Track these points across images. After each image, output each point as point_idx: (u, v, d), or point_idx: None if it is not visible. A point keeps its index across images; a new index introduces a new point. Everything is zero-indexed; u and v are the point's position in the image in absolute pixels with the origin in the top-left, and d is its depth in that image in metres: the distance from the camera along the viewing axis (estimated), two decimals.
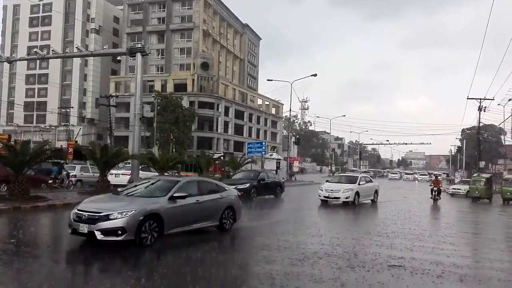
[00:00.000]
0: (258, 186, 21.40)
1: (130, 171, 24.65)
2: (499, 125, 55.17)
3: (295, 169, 63.32)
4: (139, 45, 25.79)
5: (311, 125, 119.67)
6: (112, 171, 23.51)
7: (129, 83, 68.01)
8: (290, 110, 55.22)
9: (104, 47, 35.57)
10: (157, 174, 24.93)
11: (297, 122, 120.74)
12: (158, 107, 51.47)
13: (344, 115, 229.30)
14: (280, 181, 24.94)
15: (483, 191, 28.14)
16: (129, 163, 26.06)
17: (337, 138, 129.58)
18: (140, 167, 24.94)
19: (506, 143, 69.59)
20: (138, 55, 24.68)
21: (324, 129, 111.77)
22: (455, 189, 34.60)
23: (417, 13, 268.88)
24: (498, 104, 54.93)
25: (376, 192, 21.91)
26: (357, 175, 22.54)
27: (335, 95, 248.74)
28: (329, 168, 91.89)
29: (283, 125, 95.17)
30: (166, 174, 26.99)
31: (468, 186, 30.97)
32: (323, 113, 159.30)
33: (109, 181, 21.30)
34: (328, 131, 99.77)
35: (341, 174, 29.42)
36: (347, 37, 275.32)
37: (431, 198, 23.76)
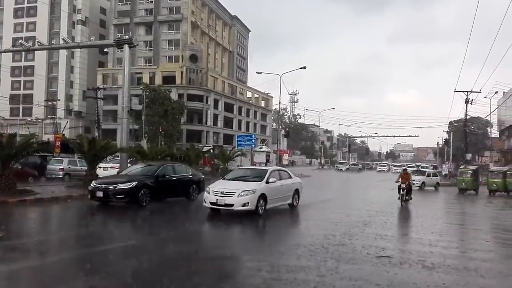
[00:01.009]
0: (153, 186, 14.88)
1: (118, 164, 24.47)
2: (485, 117, 56.08)
3: (285, 162, 63.47)
4: (127, 37, 25.52)
5: (300, 118, 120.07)
6: (101, 165, 23.32)
7: (117, 75, 67.29)
8: (280, 103, 55.62)
9: (91, 38, 34.97)
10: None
11: (286, 115, 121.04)
12: (147, 100, 51.01)
13: (334, 108, 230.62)
14: (197, 177, 17.99)
15: (469, 182, 28.58)
16: (117, 156, 25.86)
17: (326, 131, 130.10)
18: (128, 160, 24.76)
19: (492, 136, 70.71)
20: (126, 47, 24.38)
21: (314, 122, 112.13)
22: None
23: (406, 7, 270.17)
24: (485, 97, 55.53)
25: (297, 192, 15.26)
26: (266, 169, 15.56)
27: (324, 88, 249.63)
28: (319, 161, 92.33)
29: (272, 118, 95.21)
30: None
31: (423, 177, 30.99)
32: (313, 106, 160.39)
33: (98, 175, 21.12)
34: (317, 124, 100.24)
35: (245, 167, 20.99)
36: (337, 31, 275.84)
37: (399, 199, 17.90)
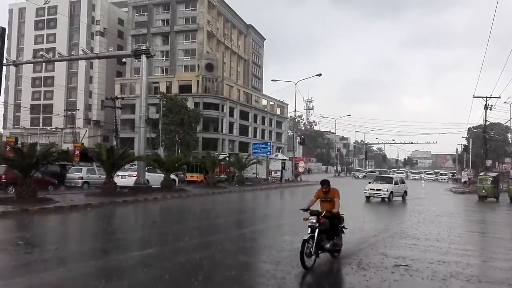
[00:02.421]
0: None
1: (136, 173, 24.75)
2: (505, 123, 54.83)
3: (301, 169, 63.24)
4: (144, 47, 25.99)
5: (316, 125, 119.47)
6: (119, 173, 23.59)
7: (134, 85, 68.22)
8: (295, 110, 55.53)
9: (109, 49, 35.69)
10: (163, 175, 25.06)
11: (302, 122, 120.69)
12: (163, 109, 51.64)
13: (349, 115, 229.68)
14: None
15: (490, 190, 28.03)
16: (135, 164, 26.16)
17: (342, 138, 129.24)
18: (146, 169, 25.03)
19: None
20: (143, 57, 24.82)
21: (329, 129, 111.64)
22: (372, 190, 24.66)
23: (419, 12, 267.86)
24: (505, 102, 54.71)
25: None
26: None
27: (339, 94, 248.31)
28: (335, 168, 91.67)
29: (288, 125, 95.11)
30: (173, 174, 27.09)
31: (391, 186, 24.78)
32: (328, 113, 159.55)
33: (116, 183, 21.40)
34: (333, 131, 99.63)
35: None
36: (350, 37, 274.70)
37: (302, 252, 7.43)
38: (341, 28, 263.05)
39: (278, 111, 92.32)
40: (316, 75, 48.83)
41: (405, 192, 26.04)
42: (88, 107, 77.24)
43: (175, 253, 8.85)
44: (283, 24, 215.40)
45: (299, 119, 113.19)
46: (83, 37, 76.16)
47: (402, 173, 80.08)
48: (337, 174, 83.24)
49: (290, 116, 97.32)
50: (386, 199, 23.81)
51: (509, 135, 70.06)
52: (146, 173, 24.95)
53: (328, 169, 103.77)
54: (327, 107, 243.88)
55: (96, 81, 77.44)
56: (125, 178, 24.91)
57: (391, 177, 28.38)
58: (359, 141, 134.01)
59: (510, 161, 59.89)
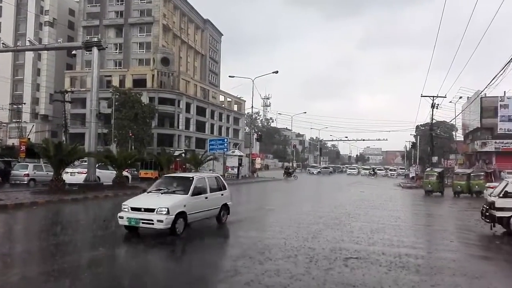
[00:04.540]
0: None
1: (86, 170, 23.93)
2: (450, 121, 57.81)
3: (258, 166, 63.63)
4: (96, 39, 25.05)
5: (273, 121, 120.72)
6: (67, 170, 22.78)
7: (85, 78, 65.80)
8: (252, 107, 55.74)
9: (59, 40, 34.05)
10: (115, 172, 24.36)
11: (259, 119, 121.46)
12: (116, 103, 50.11)
13: (305, 112, 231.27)
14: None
15: (435, 184, 29.51)
16: (85, 161, 25.26)
17: (298, 135, 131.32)
18: (97, 165, 24.24)
19: (457, 139, 73.28)
20: (94, 49, 23.96)
21: (286, 126, 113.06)
22: (137, 211, 10.61)
23: (376, 13, 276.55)
24: (450, 102, 57.63)
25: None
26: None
27: (296, 92, 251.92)
28: (291, 165, 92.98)
29: (245, 122, 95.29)
30: (126, 171, 26.42)
31: (179, 199, 12.28)
32: (285, 110, 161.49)
33: (64, 180, 20.59)
34: (289, 128, 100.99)
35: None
36: (309, 35, 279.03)
37: None
38: (300, 26, 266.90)
39: (235, 108, 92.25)
40: (273, 72, 49.13)
41: (225, 208, 12.76)
42: (35, 100, 73.54)
43: (127, 254, 8.61)
44: (241, 20, 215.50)
45: (256, 115, 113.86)
46: (31, 27, 72.29)
47: (354, 169, 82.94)
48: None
49: (248, 113, 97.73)
50: (168, 229, 10.27)
51: (454, 133, 74.08)
52: (97, 170, 24.14)
53: (284, 165, 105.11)
54: (284, 104, 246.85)
55: (44, 73, 73.78)
56: (74, 175, 24.05)
57: (187, 178, 12.10)
58: (315, 138, 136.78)
59: (454, 158, 63.44)
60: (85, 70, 67.99)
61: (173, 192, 11.19)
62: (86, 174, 23.44)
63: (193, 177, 11.72)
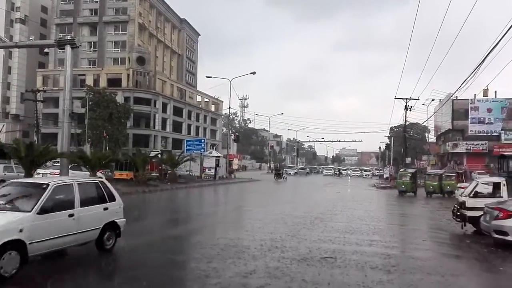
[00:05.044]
0: None
1: (58, 171, 23.33)
2: (423, 123, 59.26)
3: (235, 167, 63.54)
4: (69, 37, 24.40)
5: (250, 122, 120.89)
6: (39, 171, 22.19)
7: (58, 77, 64.22)
8: (230, 107, 55.73)
9: (30, 38, 33.06)
10: (88, 173, 23.85)
11: (236, 119, 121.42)
12: (90, 103, 49.07)
13: (282, 113, 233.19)
14: None
15: (408, 185, 30.13)
16: (58, 162, 24.64)
17: (275, 136, 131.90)
18: (70, 166, 23.66)
19: (429, 140, 75.16)
20: (68, 48, 23.31)
21: (263, 127, 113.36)
22: None
23: (350, 16, 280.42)
24: (423, 104, 59.20)
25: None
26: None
27: (274, 93, 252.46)
28: (268, 165, 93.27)
29: (222, 122, 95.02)
30: (100, 172, 25.92)
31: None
32: (263, 111, 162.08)
33: None
34: (267, 129, 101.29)
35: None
36: (285, 37, 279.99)
37: None
38: (277, 27, 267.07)
39: (213, 108, 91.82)
40: (251, 73, 49.27)
41: (111, 228, 8.68)
42: (5, 99, 71.26)
43: (105, 257, 8.42)
44: (218, 20, 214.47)
45: (234, 116, 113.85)
46: (1, 24, 69.69)
47: (330, 169, 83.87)
48: (270, 171, 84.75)
49: (225, 114, 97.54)
50: None
51: (426, 134, 75.93)
52: (70, 171, 23.51)
53: (261, 166, 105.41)
54: (262, 105, 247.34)
55: (15, 72, 71.47)
56: (46, 176, 23.39)
57: (39, 185, 7.80)
58: (292, 139, 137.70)
59: (427, 158, 65.01)
60: (58, 69, 66.38)
61: (8, 208, 7.10)
62: (58, 175, 22.86)
63: (48, 184, 7.57)
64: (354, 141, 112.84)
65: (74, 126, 33.89)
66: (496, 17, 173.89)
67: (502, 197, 12.39)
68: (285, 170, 78.92)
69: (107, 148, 45.19)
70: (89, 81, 63.52)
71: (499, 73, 50.19)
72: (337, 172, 74.28)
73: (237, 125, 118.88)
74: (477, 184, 13.21)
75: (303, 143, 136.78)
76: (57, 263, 7.71)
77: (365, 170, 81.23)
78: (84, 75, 66.48)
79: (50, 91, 59.36)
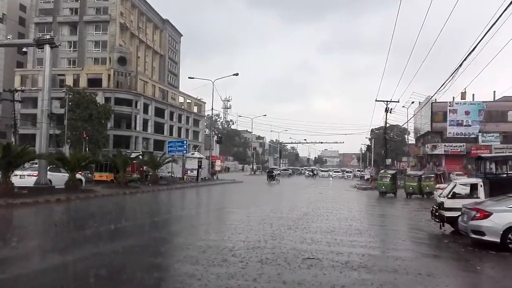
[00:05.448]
0: None
1: (37, 172, 22.87)
2: (403, 125, 60.27)
3: (218, 168, 63.29)
4: (48, 36, 24.07)
5: (233, 124, 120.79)
6: (17, 172, 21.64)
7: (37, 76, 62.95)
8: (212, 109, 55.43)
9: (8, 37, 32.42)
10: (67, 175, 23.45)
11: (219, 121, 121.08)
12: (70, 103, 48.25)
13: (265, 115, 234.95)
14: None
15: (389, 186, 30.60)
16: (36, 163, 24.14)
17: (258, 137, 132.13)
18: (48, 168, 23.22)
19: (409, 142, 76.45)
20: (47, 47, 23.00)
21: (246, 128, 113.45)
22: None
23: (336, 18, 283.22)
24: (403, 106, 60.04)
25: None
26: None
27: (257, 94, 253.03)
28: (251, 167, 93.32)
29: (205, 123, 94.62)
30: (80, 174, 25.47)
31: None
32: (246, 112, 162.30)
33: (13, 183, 19.60)
34: (250, 130, 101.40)
35: None
36: (268, 39, 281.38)
37: None
38: (260, 29, 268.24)
39: (195, 109, 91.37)
40: (234, 75, 49.33)
41: None
42: None
43: (79, 262, 8.28)
44: (201, 21, 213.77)
45: (216, 117, 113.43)
46: None
47: (312, 171, 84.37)
48: (253, 172, 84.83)
49: (208, 115, 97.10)
50: None
51: (406, 136, 77.19)
52: (49, 172, 23.10)
53: (244, 168, 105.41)
54: (245, 107, 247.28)
55: None
56: (24, 177, 22.90)
57: None
58: (274, 140, 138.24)
59: (406, 160, 66.12)
60: (37, 69, 65.12)
61: None
62: (36, 177, 22.41)
63: None
64: (336, 142, 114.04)
65: (53, 127, 33.33)
66: (474, 23, 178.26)
67: (479, 198, 12.69)
68: (279, 173, 79.23)
69: (87, 149, 44.54)
70: (69, 81, 62.53)
71: (476, 76, 51.62)
72: (311, 174, 74.64)
73: (220, 127, 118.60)
74: (455, 185, 13.50)
75: (286, 144, 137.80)
76: None
77: (347, 171, 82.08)
78: (63, 75, 65.45)
79: (29, 91, 58.19)
